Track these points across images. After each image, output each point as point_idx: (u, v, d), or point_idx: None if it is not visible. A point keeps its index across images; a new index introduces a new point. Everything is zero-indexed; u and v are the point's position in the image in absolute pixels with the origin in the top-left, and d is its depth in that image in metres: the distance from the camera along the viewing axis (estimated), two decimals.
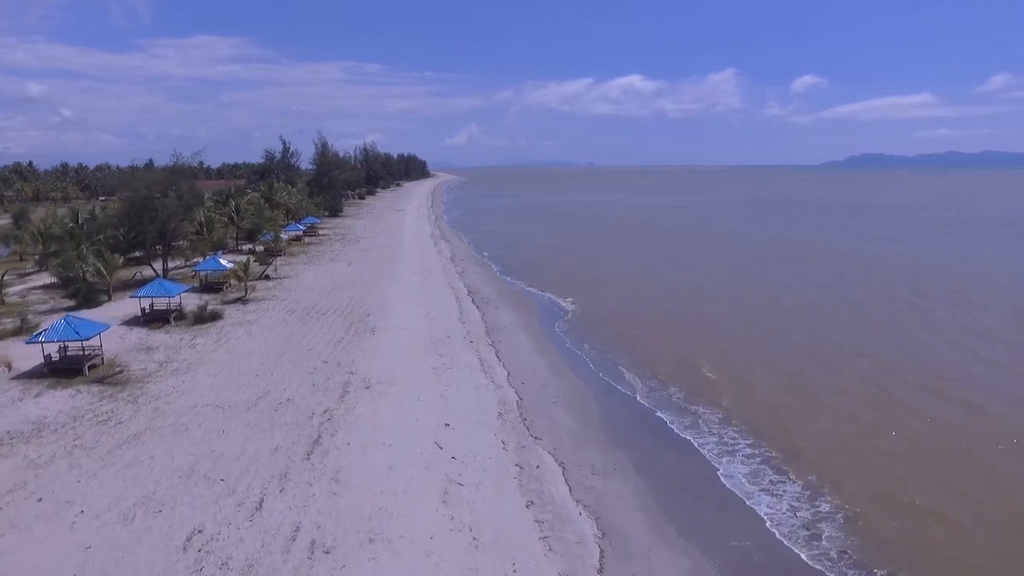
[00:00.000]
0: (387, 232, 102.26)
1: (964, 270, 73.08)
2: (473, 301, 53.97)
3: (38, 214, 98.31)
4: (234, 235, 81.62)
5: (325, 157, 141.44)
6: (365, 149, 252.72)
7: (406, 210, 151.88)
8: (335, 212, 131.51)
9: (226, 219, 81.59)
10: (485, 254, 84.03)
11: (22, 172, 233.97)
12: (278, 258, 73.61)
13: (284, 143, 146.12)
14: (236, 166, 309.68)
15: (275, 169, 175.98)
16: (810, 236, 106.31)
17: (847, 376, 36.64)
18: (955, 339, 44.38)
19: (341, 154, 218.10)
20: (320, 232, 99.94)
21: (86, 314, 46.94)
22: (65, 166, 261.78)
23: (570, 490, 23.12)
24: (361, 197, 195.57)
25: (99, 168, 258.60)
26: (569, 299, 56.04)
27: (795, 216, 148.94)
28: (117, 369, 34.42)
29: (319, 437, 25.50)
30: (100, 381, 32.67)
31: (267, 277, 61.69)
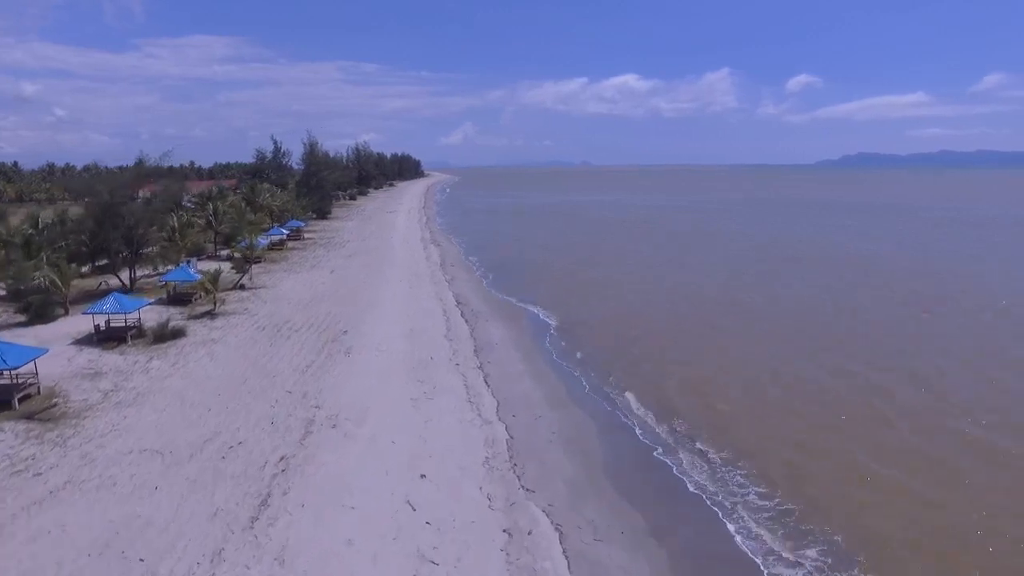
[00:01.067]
0: (375, 236, 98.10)
1: (964, 270, 71.35)
2: (462, 314, 49.93)
3: (19, 216, 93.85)
4: (212, 240, 77.47)
5: (314, 157, 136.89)
6: (357, 149, 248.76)
7: (397, 211, 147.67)
8: (323, 214, 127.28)
9: (204, 223, 77.41)
10: (477, 259, 79.95)
11: (6, 172, 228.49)
12: (256, 265, 69.47)
13: (275, 143, 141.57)
14: (228, 166, 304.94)
15: (266, 169, 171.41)
16: (811, 236, 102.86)
17: (855, 405, 32.62)
18: (961, 355, 40.44)
19: (332, 154, 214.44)
20: (305, 236, 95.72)
21: (40, 330, 42.89)
22: (51, 166, 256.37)
23: (568, 565, 19.10)
24: (352, 198, 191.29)
25: (87, 168, 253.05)
26: (565, 309, 52.02)
27: (796, 216, 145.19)
28: (52, 402, 30.26)
29: (269, 496, 21.41)
30: (29, 417, 28.53)
31: (242, 287, 57.53)
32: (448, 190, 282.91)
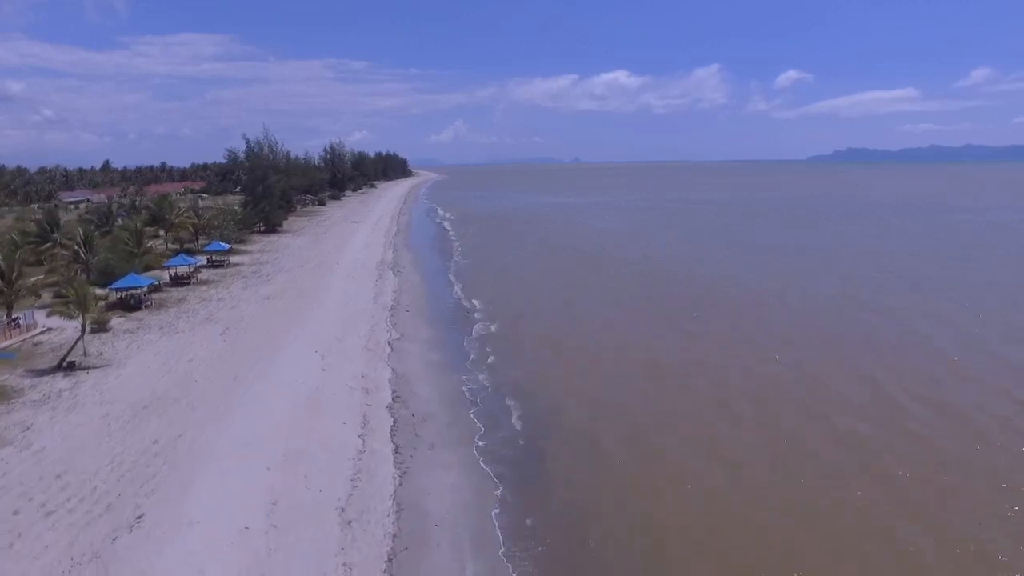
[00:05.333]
0: (320, 259, 77.93)
1: None
2: (393, 426, 30.17)
3: None
4: (78, 273, 56.85)
5: (258, 160, 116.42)
6: (332, 148, 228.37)
7: (365, 220, 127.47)
8: (272, 227, 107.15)
9: (70, 256, 57.12)
10: (442, 299, 60.06)
11: None
12: (133, 314, 49.58)
13: (248, 142, 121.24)
14: (205, 166, 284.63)
15: (237, 170, 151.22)
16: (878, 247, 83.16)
17: None
18: None
19: (304, 154, 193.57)
20: (232, 260, 75.54)
21: None
22: (1, 168, 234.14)
23: None
24: (321, 203, 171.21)
25: (41, 171, 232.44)
26: (563, 406, 32.32)
27: (830, 218, 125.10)
28: None
29: None
30: None
31: (70, 366, 37.51)
32: (433, 193, 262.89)
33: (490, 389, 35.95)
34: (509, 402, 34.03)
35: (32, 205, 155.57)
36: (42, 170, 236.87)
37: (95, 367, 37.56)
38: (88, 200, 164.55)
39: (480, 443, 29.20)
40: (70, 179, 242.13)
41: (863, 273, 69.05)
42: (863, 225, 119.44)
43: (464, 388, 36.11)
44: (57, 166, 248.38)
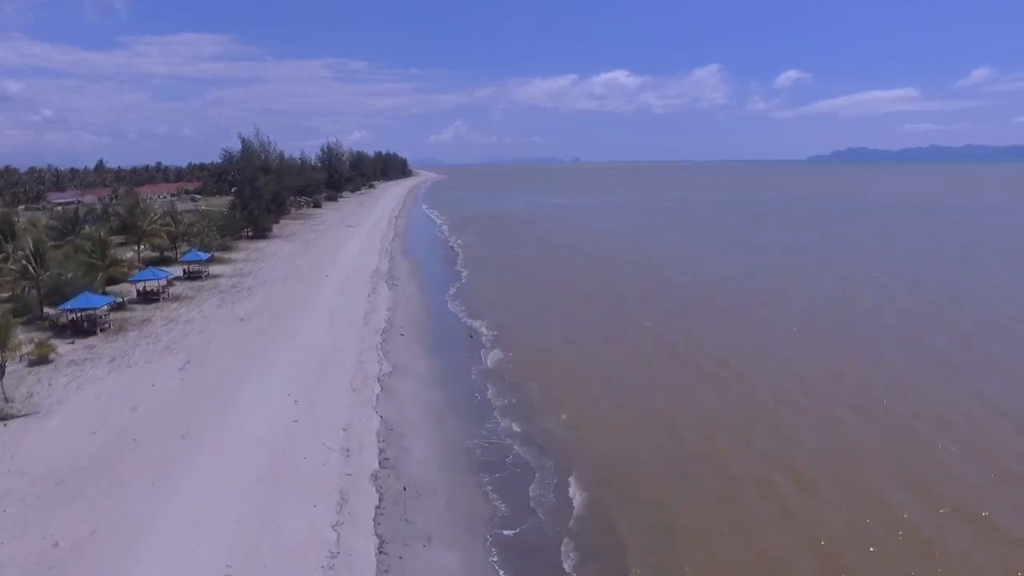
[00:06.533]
0: (309, 269, 70.96)
1: None
2: (378, 506, 23.38)
3: None
4: (28, 290, 49.89)
5: (247, 161, 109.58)
6: (328, 148, 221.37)
7: (361, 224, 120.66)
8: (261, 232, 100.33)
9: (19, 271, 50.14)
10: (447, 317, 53.33)
11: None
12: (83, 340, 42.81)
13: (243, 141, 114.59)
14: (202, 167, 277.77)
15: (232, 171, 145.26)
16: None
17: None
18: None
19: (299, 154, 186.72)
20: (212, 271, 68.61)
21: None
22: None
23: None
24: (317, 205, 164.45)
25: (31, 171, 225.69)
26: (586, 469, 25.49)
27: (831, 218, 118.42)
28: None
29: None
30: None
31: None
32: (433, 193, 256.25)
33: (499, 443, 29.14)
34: (524, 457, 27.34)
35: (19, 207, 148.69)
36: (32, 170, 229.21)
37: (18, 416, 30.71)
38: (78, 201, 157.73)
39: (502, 533, 22.37)
40: (61, 179, 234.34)
41: (863, 273, 67.58)
42: (863, 225, 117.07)
43: (469, 443, 29.32)
44: (49, 166, 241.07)
